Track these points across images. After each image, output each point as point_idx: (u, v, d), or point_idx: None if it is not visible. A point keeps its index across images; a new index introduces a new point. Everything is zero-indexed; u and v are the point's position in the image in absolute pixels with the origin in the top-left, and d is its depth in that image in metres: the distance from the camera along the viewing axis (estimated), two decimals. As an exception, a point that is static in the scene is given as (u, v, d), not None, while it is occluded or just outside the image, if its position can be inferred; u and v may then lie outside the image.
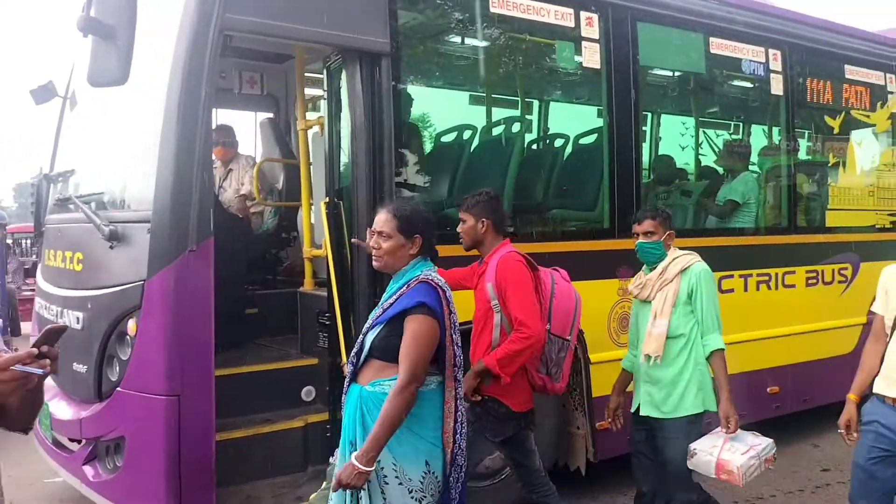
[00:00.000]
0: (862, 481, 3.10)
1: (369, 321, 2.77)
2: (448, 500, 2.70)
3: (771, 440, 3.54)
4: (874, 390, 3.15)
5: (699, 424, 3.54)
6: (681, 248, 3.69)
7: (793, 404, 5.72)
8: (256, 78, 6.00)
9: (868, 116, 6.34)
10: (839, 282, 6.02)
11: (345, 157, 3.87)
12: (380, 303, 2.80)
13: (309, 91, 5.14)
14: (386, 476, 2.58)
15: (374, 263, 2.78)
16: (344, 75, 3.75)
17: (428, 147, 4.63)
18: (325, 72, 4.00)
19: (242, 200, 5.26)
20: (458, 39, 4.45)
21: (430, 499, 2.64)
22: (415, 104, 4.19)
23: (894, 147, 6.61)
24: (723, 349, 3.48)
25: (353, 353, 2.76)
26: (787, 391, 5.63)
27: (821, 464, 5.61)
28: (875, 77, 6.37)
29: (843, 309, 6.04)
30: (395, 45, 3.77)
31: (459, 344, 2.73)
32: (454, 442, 2.69)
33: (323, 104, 4.43)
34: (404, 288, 2.69)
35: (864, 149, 6.34)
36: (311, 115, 4.89)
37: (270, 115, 6.18)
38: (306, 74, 4.82)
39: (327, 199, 3.94)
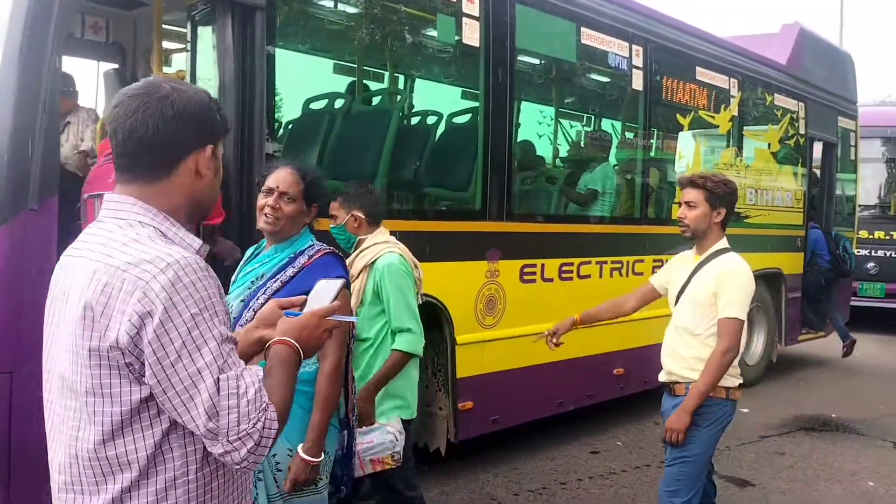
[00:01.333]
0: None
1: (247, 294, 2.49)
2: (340, 478, 2.60)
3: (389, 439, 3.08)
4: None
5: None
6: (388, 235, 3.31)
7: (635, 385, 6.03)
8: (102, 24, 5.39)
9: (713, 117, 6.77)
10: (681, 271, 6.39)
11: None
12: (250, 271, 2.55)
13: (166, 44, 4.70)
14: (279, 462, 2.41)
15: (263, 226, 2.51)
16: (212, 28, 3.42)
17: (301, 114, 4.36)
18: (188, 23, 3.63)
19: (83, 157, 4.72)
20: (337, 3, 4.22)
21: (325, 479, 2.50)
22: (288, 66, 3.91)
23: (732, 148, 7.12)
24: (403, 351, 3.12)
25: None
26: (630, 373, 5.92)
27: (659, 441, 5.92)
28: (721, 80, 6.81)
29: (683, 297, 6.45)
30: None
31: None
32: (351, 415, 2.61)
33: (179, 58, 4.05)
34: (304, 259, 2.48)
35: (708, 148, 6.77)
36: (166, 71, 4.47)
37: (116, 65, 5.60)
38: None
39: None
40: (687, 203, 3.19)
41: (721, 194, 3.17)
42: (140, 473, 1.34)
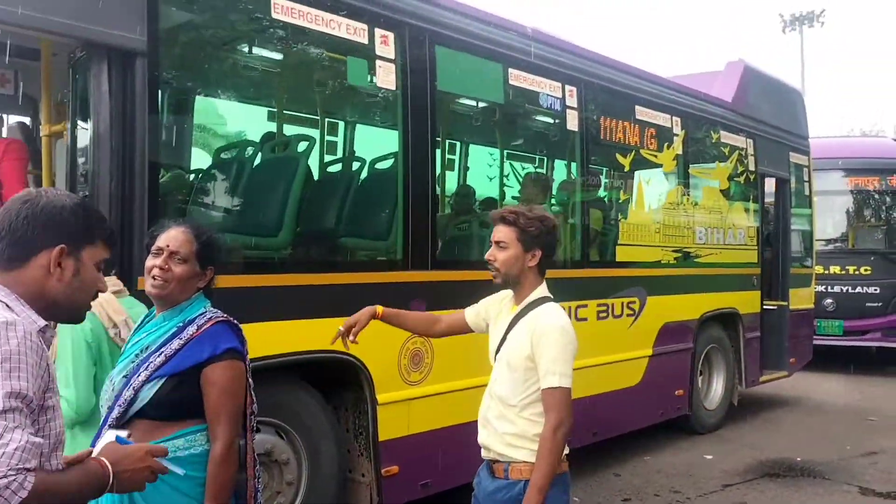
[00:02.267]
0: None
1: (130, 368, 2.26)
2: None
3: None
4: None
5: None
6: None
7: (583, 438, 5.74)
8: (10, 76, 5.16)
9: (655, 156, 6.64)
10: (627, 315, 6.19)
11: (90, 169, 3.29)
12: (137, 342, 2.32)
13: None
14: None
15: (150, 289, 2.29)
16: (90, 76, 3.19)
17: (194, 163, 4.12)
18: (69, 71, 3.41)
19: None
20: (234, 44, 4.01)
21: None
22: (179, 112, 3.70)
23: (678, 187, 6.97)
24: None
25: (107, 409, 2.25)
26: (577, 424, 5.60)
27: (622, 493, 5.73)
28: (662, 119, 6.69)
29: (631, 341, 6.23)
30: (155, 43, 3.28)
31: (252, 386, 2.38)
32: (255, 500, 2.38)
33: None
34: (193, 329, 2.26)
35: (652, 187, 6.62)
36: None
37: (27, 118, 5.35)
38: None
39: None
40: (497, 243, 2.69)
41: (535, 233, 2.65)
42: None
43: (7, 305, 1.54)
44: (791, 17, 33.18)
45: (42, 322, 1.59)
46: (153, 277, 2.28)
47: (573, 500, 5.63)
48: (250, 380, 2.38)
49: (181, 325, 2.29)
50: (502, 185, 6.56)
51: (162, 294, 2.29)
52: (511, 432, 2.67)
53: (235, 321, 2.37)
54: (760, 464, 6.49)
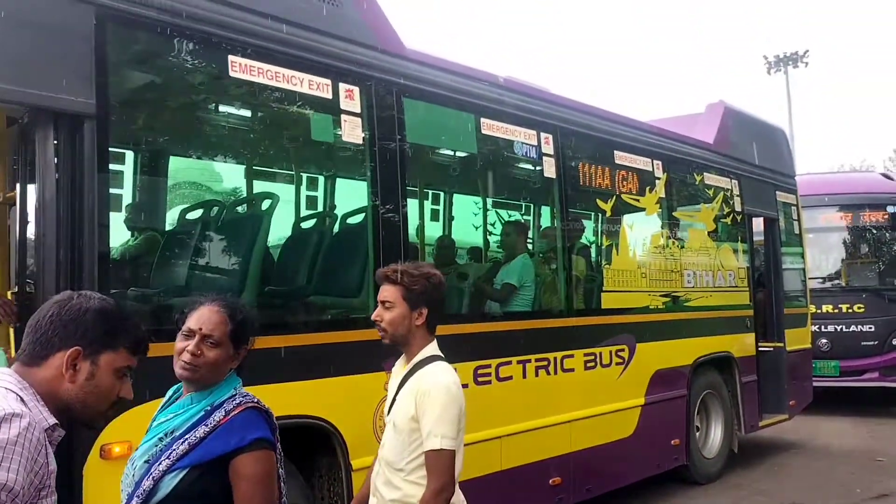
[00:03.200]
0: None
1: (153, 453, 2.11)
2: None
3: None
4: None
5: None
6: None
7: (576, 495, 5.52)
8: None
9: (638, 200, 6.55)
10: (616, 363, 6.01)
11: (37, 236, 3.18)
12: (162, 423, 2.16)
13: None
14: None
15: (181, 372, 2.14)
16: (36, 141, 3.10)
17: (148, 226, 4.01)
18: (17, 137, 3.33)
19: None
20: (190, 105, 3.94)
21: None
22: (132, 175, 3.61)
23: (663, 230, 6.87)
24: None
25: (126, 496, 2.11)
26: (569, 481, 5.42)
27: None
28: (642, 163, 6.62)
29: (622, 391, 6.04)
30: (105, 106, 3.20)
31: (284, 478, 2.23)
32: None
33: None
34: (220, 415, 2.10)
35: (636, 232, 6.51)
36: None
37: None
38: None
39: (16, 290, 3.21)
40: (382, 303, 2.65)
41: (420, 291, 2.60)
42: None
43: (21, 399, 1.55)
44: (775, 58, 33.55)
45: (52, 420, 1.58)
46: (184, 361, 2.13)
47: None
48: (281, 470, 2.22)
49: (209, 408, 2.14)
50: (484, 233, 6.45)
51: (192, 378, 2.16)
52: (394, 498, 2.55)
53: (266, 407, 2.20)
54: None
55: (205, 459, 2.06)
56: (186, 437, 2.09)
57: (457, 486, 2.58)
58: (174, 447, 2.09)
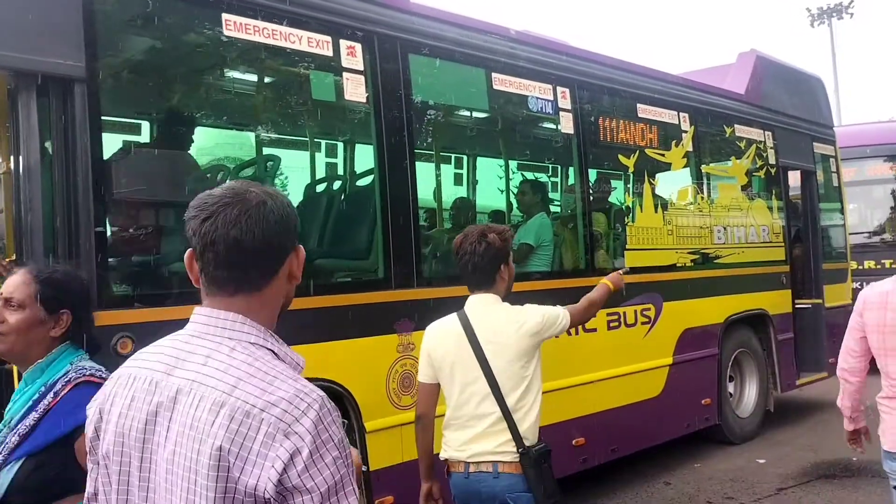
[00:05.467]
0: None
1: None
2: None
3: None
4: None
5: None
6: None
7: (601, 455, 5.43)
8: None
9: (663, 155, 6.33)
10: (642, 323, 5.87)
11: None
12: (5, 418, 2.00)
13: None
14: None
15: None
16: (25, 106, 3.06)
17: (144, 192, 3.96)
18: (9, 102, 3.29)
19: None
20: (184, 66, 3.87)
21: None
22: (128, 140, 3.56)
23: (690, 186, 6.65)
24: None
25: None
26: (593, 442, 5.33)
27: (674, 501, 5.54)
28: (668, 116, 6.39)
29: (648, 350, 5.90)
30: (95, 68, 3.15)
31: None
32: None
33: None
34: (50, 399, 1.92)
35: (661, 188, 6.30)
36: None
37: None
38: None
39: (13, 257, 3.21)
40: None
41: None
42: None
43: (274, 353, 1.35)
44: (819, 10, 32.36)
45: (302, 359, 1.42)
46: None
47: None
48: None
49: (43, 390, 1.95)
50: (506, 194, 6.30)
51: (4, 350, 1.98)
52: None
53: (105, 375, 1.93)
54: (815, 466, 6.30)
55: (39, 447, 1.90)
56: (18, 426, 1.94)
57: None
58: (8, 438, 1.94)
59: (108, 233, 3.19)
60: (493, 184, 6.30)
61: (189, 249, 1.35)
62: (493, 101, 5.13)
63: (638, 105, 6.12)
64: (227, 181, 4.25)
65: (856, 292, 9.22)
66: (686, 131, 6.58)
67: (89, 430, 1.38)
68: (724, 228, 6.91)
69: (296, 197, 4.47)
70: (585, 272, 5.51)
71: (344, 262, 4.31)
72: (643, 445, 5.93)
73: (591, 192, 5.74)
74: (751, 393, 7.31)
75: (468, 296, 3.05)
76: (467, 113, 5.55)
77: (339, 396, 3.91)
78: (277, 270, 1.37)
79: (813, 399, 8.63)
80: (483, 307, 2.92)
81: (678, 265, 6.30)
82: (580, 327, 5.29)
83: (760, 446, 6.94)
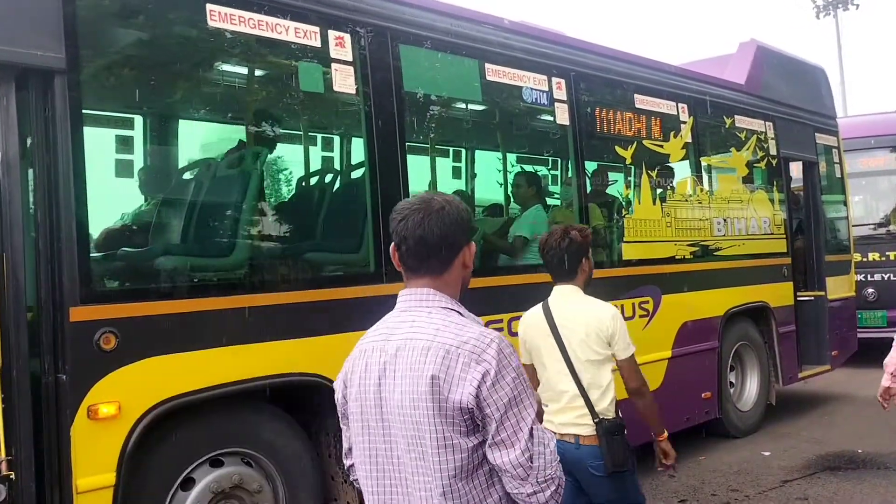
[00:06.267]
0: None
1: None
2: None
3: None
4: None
5: None
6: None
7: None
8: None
9: (661, 146, 6.26)
10: (640, 316, 5.80)
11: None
12: None
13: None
14: None
15: None
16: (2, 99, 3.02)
17: (130, 185, 3.93)
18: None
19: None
20: (169, 57, 3.81)
21: None
22: (112, 132, 3.52)
23: (689, 177, 6.58)
24: None
25: None
26: (590, 436, 5.26)
27: (678, 494, 5.50)
28: (666, 107, 6.32)
29: (646, 344, 5.81)
30: (77, 60, 3.10)
31: None
32: None
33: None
34: None
35: (659, 180, 6.22)
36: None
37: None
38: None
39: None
40: None
41: None
42: None
43: (458, 313, 1.77)
44: (824, 1, 32.08)
45: (479, 319, 1.86)
46: None
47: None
48: None
49: None
50: (504, 187, 6.24)
51: None
52: None
53: None
54: (820, 458, 6.26)
55: None
56: None
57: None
58: None
59: (90, 227, 3.14)
60: (487, 176, 6.23)
61: (392, 243, 1.80)
62: (487, 92, 5.07)
63: (635, 96, 6.04)
64: (208, 173, 4.22)
65: (859, 284, 9.22)
66: (685, 122, 6.50)
67: (339, 398, 1.86)
68: (725, 220, 6.84)
69: (284, 190, 4.42)
70: (582, 265, 5.44)
71: (333, 255, 4.26)
72: (642, 440, 5.85)
73: (587, 184, 5.67)
74: (752, 386, 7.24)
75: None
76: (460, 105, 5.49)
77: (329, 392, 3.86)
78: (453, 260, 1.80)
79: (817, 392, 8.58)
80: (564, 297, 3.29)
81: (677, 258, 6.24)
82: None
83: (765, 439, 6.90)
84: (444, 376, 1.62)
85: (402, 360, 1.69)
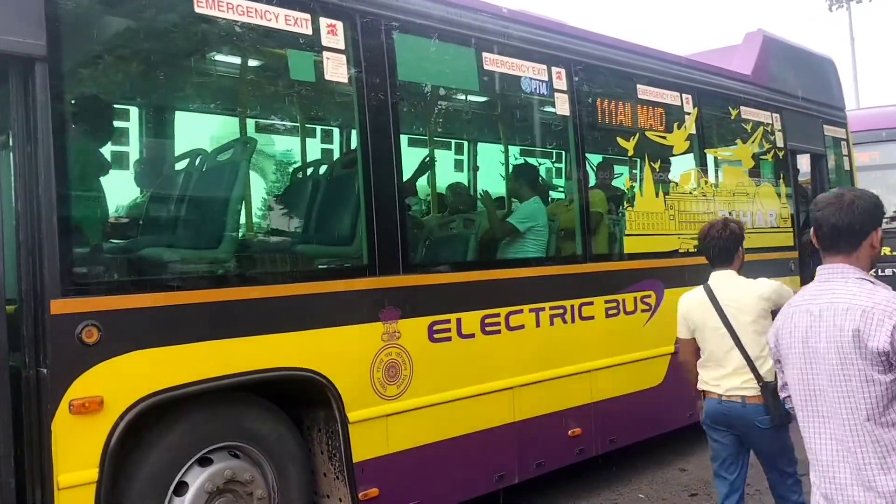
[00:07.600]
0: None
1: None
2: None
3: None
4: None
5: None
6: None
7: (598, 446, 5.29)
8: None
9: (664, 138, 6.15)
10: (642, 310, 5.71)
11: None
12: None
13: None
14: None
15: None
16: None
17: (114, 177, 3.85)
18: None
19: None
20: (155, 45, 3.74)
21: None
22: (95, 121, 3.44)
23: (693, 169, 6.46)
24: None
25: None
26: (590, 432, 5.19)
27: (689, 488, 5.42)
28: (669, 97, 6.20)
29: (649, 339, 5.73)
30: (58, 47, 3.04)
31: None
32: None
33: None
34: None
35: (662, 172, 6.11)
36: None
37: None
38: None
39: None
40: None
41: None
42: None
43: (870, 282, 2.18)
44: (837, -5, 31.67)
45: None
46: None
47: (639, 495, 5.31)
48: None
49: None
50: (483, 179, 6.14)
51: None
52: None
53: None
54: None
55: None
56: None
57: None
58: None
59: (71, 218, 3.07)
60: (484, 167, 6.14)
61: (811, 229, 2.28)
62: (485, 82, 4.97)
63: (638, 86, 5.93)
64: (197, 163, 4.15)
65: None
66: (689, 113, 6.39)
67: (772, 342, 2.36)
68: (729, 213, 6.70)
69: (273, 181, 4.34)
70: (582, 258, 5.36)
71: (324, 247, 4.18)
72: (643, 436, 5.78)
73: (588, 176, 5.57)
74: (758, 382, 7.11)
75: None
76: (457, 95, 5.39)
77: (320, 387, 3.80)
78: (861, 242, 2.23)
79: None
80: (724, 280, 3.75)
81: (681, 251, 6.12)
82: (577, 315, 5.17)
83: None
84: (863, 328, 2.06)
85: (825, 319, 2.15)
